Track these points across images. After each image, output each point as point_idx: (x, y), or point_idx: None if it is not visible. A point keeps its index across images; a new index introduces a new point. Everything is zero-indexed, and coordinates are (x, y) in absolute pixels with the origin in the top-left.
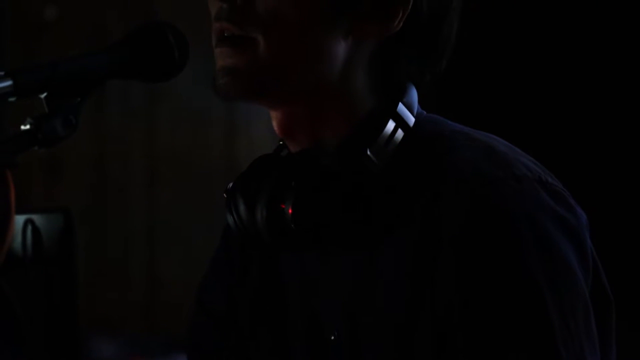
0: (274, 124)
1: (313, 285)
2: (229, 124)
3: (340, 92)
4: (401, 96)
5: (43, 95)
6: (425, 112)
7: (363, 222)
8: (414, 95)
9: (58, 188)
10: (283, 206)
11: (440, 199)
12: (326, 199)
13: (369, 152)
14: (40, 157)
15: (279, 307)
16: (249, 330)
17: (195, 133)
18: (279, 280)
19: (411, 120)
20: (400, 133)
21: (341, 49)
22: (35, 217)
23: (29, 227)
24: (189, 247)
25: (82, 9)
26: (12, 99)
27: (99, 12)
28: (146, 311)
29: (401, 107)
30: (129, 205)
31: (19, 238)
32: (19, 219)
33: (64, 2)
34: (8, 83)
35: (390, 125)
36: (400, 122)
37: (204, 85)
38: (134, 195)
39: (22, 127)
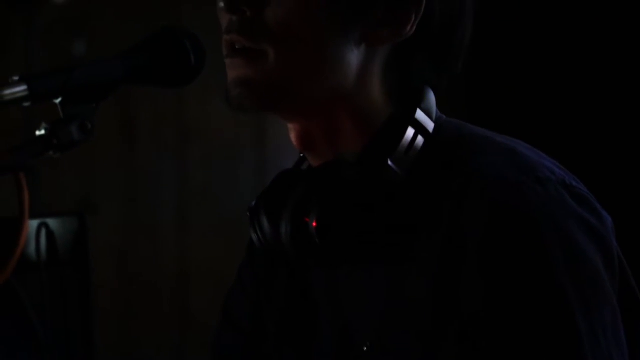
0: (292, 136)
1: (343, 297)
2: (260, 160)
3: (356, 100)
4: (419, 102)
5: (58, 101)
6: (444, 116)
7: (388, 234)
8: (431, 99)
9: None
10: (307, 220)
11: (463, 205)
12: (350, 211)
13: (390, 162)
14: (71, 195)
15: (306, 321)
16: (274, 344)
17: (225, 170)
18: (307, 294)
19: (430, 125)
20: (420, 140)
21: (354, 57)
22: (50, 221)
23: (43, 231)
24: (221, 284)
25: (111, 46)
26: (26, 104)
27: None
28: (179, 351)
29: (419, 113)
30: (161, 243)
31: (33, 241)
32: (33, 223)
33: (93, 40)
34: (23, 88)
35: (410, 132)
36: (420, 129)
37: (234, 122)
38: (166, 233)
39: (37, 133)
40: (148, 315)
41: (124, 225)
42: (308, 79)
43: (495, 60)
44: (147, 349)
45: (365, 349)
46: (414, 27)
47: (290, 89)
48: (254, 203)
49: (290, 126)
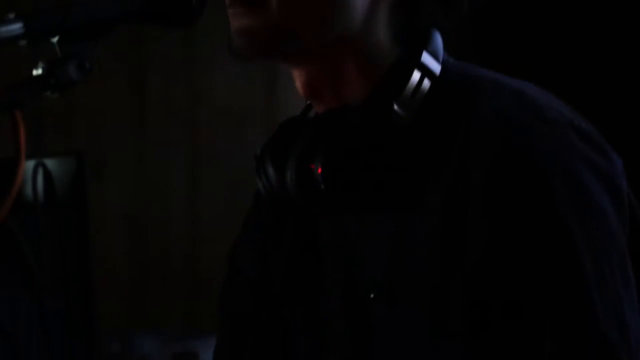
0: (297, 83)
1: (350, 244)
2: (270, 122)
3: (362, 45)
4: (425, 44)
5: (55, 40)
6: (452, 59)
7: (395, 179)
8: (438, 42)
9: (99, 191)
10: (312, 166)
11: (468, 148)
12: (355, 156)
13: (395, 106)
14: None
15: (313, 269)
16: (282, 293)
17: (235, 133)
18: (314, 242)
19: (437, 68)
20: (426, 83)
21: (360, 0)
22: (47, 161)
23: (40, 171)
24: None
25: None
26: (22, 43)
27: None
28: (189, 309)
29: (426, 56)
30: (171, 206)
31: (30, 182)
32: (30, 163)
33: None
34: (18, 26)
35: (416, 75)
36: (426, 72)
37: (244, 84)
38: (176, 196)
39: (34, 72)
40: (158, 277)
41: (134, 187)
42: (312, 25)
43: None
44: (156, 311)
45: (372, 296)
46: None
47: (295, 36)
48: (259, 151)
49: (295, 73)
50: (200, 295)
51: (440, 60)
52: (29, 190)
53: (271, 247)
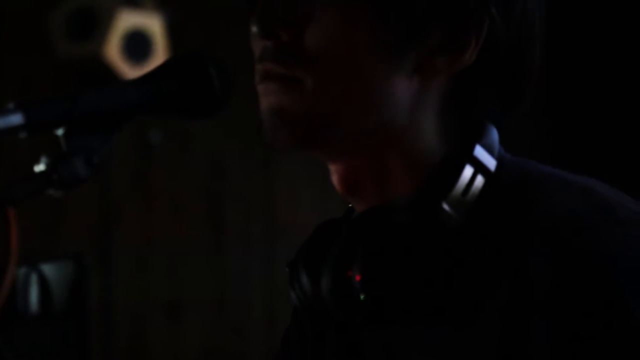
0: (334, 179)
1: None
2: None
3: (408, 138)
4: (478, 138)
5: (61, 132)
6: (509, 155)
7: (444, 287)
8: (494, 136)
9: (177, 330)
10: (350, 274)
11: (528, 251)
12: (398, 261)
13: (444, 205)
14: (158, 298)
15: None
16: None
17: None
18: (358, 357)
19: (492, 164)
20: (480, 180)
21: (405, 89)
22: (43, 266)
23: (34, 278)
24: None
25: (198, 143)
26: (23, 135)
27: (215, 144)
28: None
29: (479, 150)
30: (249, 344)
31: (22, 290)
32: (23, 269)
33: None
34: (18, 117)
35: (468, 171)
36: (479, 167)
37: (324, 214)
38: (254, 334)
39: (36, 168)
40: None
41: (212, 325)
42: (351, 114)
43: (582, 97)
44: None
45: None
46: (474, 55)
47: (331, 124)
48: (292, 257)
49: (332, 167)
50: None
51: (496, 155)
52: (20, 299)
53: None
